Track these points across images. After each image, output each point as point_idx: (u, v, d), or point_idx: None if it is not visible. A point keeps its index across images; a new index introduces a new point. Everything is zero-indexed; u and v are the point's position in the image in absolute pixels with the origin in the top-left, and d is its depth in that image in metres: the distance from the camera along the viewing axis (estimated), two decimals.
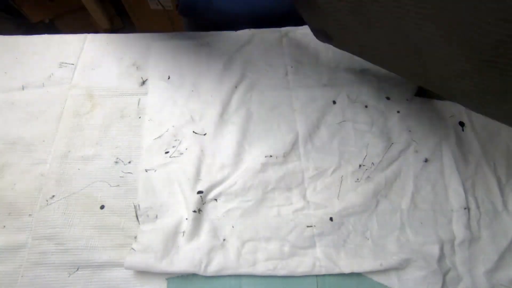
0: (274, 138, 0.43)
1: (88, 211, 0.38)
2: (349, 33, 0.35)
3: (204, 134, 0.43)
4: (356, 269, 0.35)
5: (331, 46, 0.51)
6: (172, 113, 0.45)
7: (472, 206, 0.39)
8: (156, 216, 0.38)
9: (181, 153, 0.42)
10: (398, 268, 0.36)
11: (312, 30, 0.43)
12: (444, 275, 0.35)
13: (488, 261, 0.36)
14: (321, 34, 0.41)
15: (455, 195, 0.39)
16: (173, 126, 0.43)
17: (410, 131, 0.44)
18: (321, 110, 0.45)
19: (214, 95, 0.46)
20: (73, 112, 0.44)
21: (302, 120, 0.44)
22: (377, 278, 0.35)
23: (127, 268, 0.35)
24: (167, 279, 0.35)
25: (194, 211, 0.38)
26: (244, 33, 0.52)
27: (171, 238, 0.36)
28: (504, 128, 0.44)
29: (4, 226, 0.37)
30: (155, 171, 0.40)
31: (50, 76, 0.47)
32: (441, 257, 0.36)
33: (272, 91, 0.47)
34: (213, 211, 0.38)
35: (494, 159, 0.42)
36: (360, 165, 0.41)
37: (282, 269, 0.35)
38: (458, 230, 0.37)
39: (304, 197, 0.39)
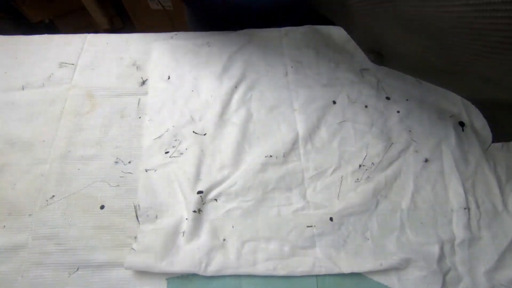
0: (274, 138, 0.43)
1: (88, 211, 0.38)
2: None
3: (204, 134, 0.43)
4: (356, 269, 0.35)
5: (331, 46, 0.51)
6: (172, 113, 0.45)
7: (472, 206, 0.39)
8: (156, 216, 0.38)
9: (181, 153, 0.42)
10: (398, 268, 0.36)
11: (364, 50, 0.44)
12: (444, 275, 0.35)
13: (488, 261, 0.36)
14: (373, 53, 0.42)
15: (455, 195, 0.39)
16: (173, 126, 0.43)
17: (410, 131, 0.44)
18: (321, 110, 0.45)
19: (214, 95, 0.46)
20: (73, 112, 0.44)
21: (302, 120, 0.44)
22: (377, 278, 0.35)
23: (127, 268, 0.35)
24: (167, 279, 0.35)
25: (194, 211, 0.38)
26: (244, 33, 0.52)
27: (171, 238, 0.36)
28: None
29: (4, 226, 0.37)
30: (155, 171, 0.40)
31: (50, 76, 0.47)
32: (441, 257, 0.36)
33: (272, 91, 0.47)
34: (213, 211, 0.38)
35: (494, 159, 0.42)
36: (360, 165, 0.41)
37: (282, 269, 0.35)
38: (458, 230, 0.37)
39: (304, 197, 0.39)
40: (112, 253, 0.36)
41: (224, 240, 0.37)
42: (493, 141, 0.39)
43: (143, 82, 0.48)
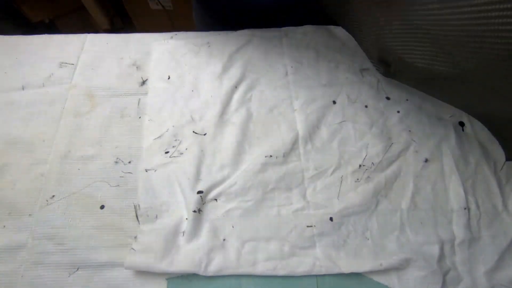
0: (274, 138, 0.43)
1: (88, 211, 0.38)
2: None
3: (204, 134, 0.43)
4: (356, 269, 0.35)
5: (331, 46, 0.51)
6: (172, 113, 0.45)
7: (472, 206, 0.39)
8: (156, 216, 0.38)
9: (181, 153, 0.42)
10: (398, 268, 0.36)
11: (373, 62, 0.45)
12: (444, 275, 0.35)
13: (488, 261, 0.36)
14: (382, 64, 0.43)
15: (455, 195, 0.39)
16: (173, 126, 0.43)
17: (410, 131, 0.44)
18: (321, 110, 0.45)
19: (214, 95, 0.46)
20: (73, 112, 0.44)
21: (302, 120, 0.44)
22: (377, 278, 0.35)
23: (127, 268, 0.35)
24: (167, 279, 0.35)
25: (194, 211, 0.38)
26: (244, 33, 0.52)
27: (171, 238, 0.36)
28: None
29: (4, 226, 0.37)
30: (155, 171, 0.40)
31: (50, 76, 0.47)
32: (441, 257, 0.36)
33: (272, 91, 0.47)
34: (213, 211, 0.38)
35: (494, 159, 0.42)
36: (360, 165, 0.41)
37: (282, 269, 0.35)
38: (458, 230, 0.37)
39: (304, 197, 0.39)
40: (112, 253, 0.36)
41: (224, 240, 0.37)
42: (507, 159, 0.38)
43: (143, 82, 0.48)
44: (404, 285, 0.35)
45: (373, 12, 0.36)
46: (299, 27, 0.53)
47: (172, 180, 0.40)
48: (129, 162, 0.41)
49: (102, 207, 0.38)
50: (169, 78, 0.48)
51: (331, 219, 0.38)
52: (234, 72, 0.48)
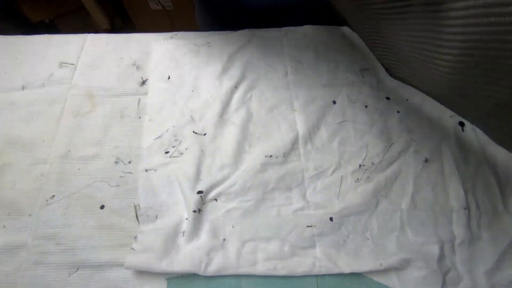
0: (274, 138, 0.43)
1: (88, 211, 0.38)
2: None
3: (204, 134, 0.43)
4: (356, 269, 0.35)
5: (331, 46, 0.51)
6: (172, 113, 0.45)
7: (472, 206, 0.39)
8: (156, 216, 0.38)
9: (181, 153, 0.42)
10: (398, 268, 0.36)
11: (382, 63, 0.46)
12: (444, 275, 0.35)
13: (488, 261, 0.36)
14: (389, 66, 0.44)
15: (455, 195, 0.39)
16: (173, 126, 0.43)
17: (410, 131, 0.44)
18: (321, 110, 0.45)
19: (214, 95, 0.46)
20: (73, 112, 0.44)
21: (302, 120, 0.44)
22: (377, 278, 0.35)
23: (127, 268, 0.35)
24: (167, 279, 0.35)
25: (194, 211, 0.38)
26: (244, 33, 0.52)
27: (171, 238, 0.36)
28: None
29: (4, 226, 0.37)
30: (155, 171, 0.40)
31: (50, 76, 0.47)
32: (441, 257, 0.36)
33: (272, 91, 0.47)
34: (213, 211, 0.38)
35: (494, 159, 0.42)
36: (360, 165, 0.41)
37: (282, 269, 0.35)
38: (458, 230, 0.37)
39: (304, 197, 0.39)
40: (112, 253, 0.36)
41: (224, 240, 0.37)
42: None
43: (143, 82, 0.48)
44: (404, 285, 0.35)
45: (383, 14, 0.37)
46: (299, 27, 0.53)
47: (172, 180, 0.40)
48: (129, 162, 0.41)
49: (102, 207, 0.38)
50: (169, 78, 0.48)
51: (331, 219, 0.38)
52: (234, 72, 0.48)
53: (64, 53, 0.49)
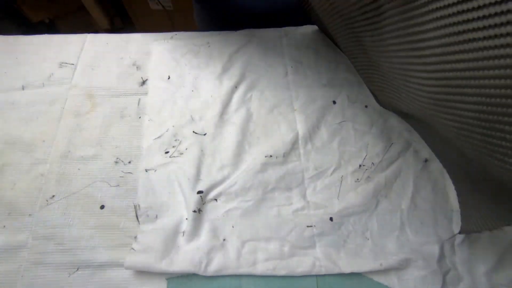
0: (274, 138, 0.43)
1: (88, 211, 0.38)
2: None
3: (204, 134, 0.43)
4: (356, 269, 0.35)
5: (331, 46, 0.51)
6: (172, 113, 0.45)
7: None
8: (156, 216, 0.38)
9: (181, 153, 0.42)
10: (398, 268, 0.36)
11: (375, 96, 0.47)
12: (444, 275, 0.35)
13: (488, 261, 0.36)
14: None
15: (455, 195, 0.39)
16: (173, 126, 0.43)
17: (410, 131, 0.44)
18: (321, 110, 0.45)
19: (214, 95, 0.46)
20: (73, 112, 0.44)
21: (302, 120, 0.44)
22: (377, 278, 0.35)
23: (127, 268, 0.35)
24: (167, 279, 0.35)
25: (194, 211, 0.38)
26: (244, 33, 0.52)
27: (171, 238, 0.36)
28: None
29: (4, 226, 0.37)
30: (155, 171, 0.40)
31: (50, 76, 0.47)
32: (441, 257, 0.36)
33: (272, 91, 0.47)
34: (213, 211, 0.38)
35: None
36: (360, 165, 0.41)
37: (282, 269, 0.35)
38: (458, 230, 0.37)
39: (304, 197, 0.39)
40: (112, 253, 0.36)
41: (224, 240, 0.37)
42: (459, 232, 0.37)
43: (143, 82, 0.48)
44: (404, 285, 0.35)
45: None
46: (299, 27, 0.53)
47: (172, 180, 0.40)
48: (129, 162, 0.41)
49: (102, 207, 0.38)
50: (169, 78, 0.48)
51: (331, 219, 0.38)
52: (234, 72, 0.48)
53: (64, 53, 0.49)
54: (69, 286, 0.34)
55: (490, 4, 0.18)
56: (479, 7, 0.18)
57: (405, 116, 0.42)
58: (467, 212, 0.36)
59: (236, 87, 0.47)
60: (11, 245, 0.36)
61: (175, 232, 0.37)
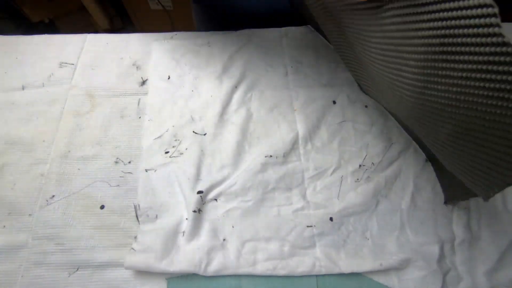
0: (274, 138, 0.43)
1: (88, 211, 0.38)
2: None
3: (204, 134, 0.43)
4: (356, 269, 0.35)
5: (331, 46, 0.51)
6: (172, 113, 0.45)
7: (472, 206, 0.39)
8: (156, 216, 0.38)
9: (181, 153, 0.42)
10: (398, 268, 0.36)
11: (359, 85, 0.47)
12: (444, 275, 0.35)
13: (488, 261, 0.36)
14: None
15: None
16: (173, 126, 0.43)
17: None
18: (321, 110, 0.45)
19: (214, 95, 0.46)
20: (73, 112, 0.44)
21: (302, 120, 0.44)
22: (377, 278, 0.35)
23: (127, 268, 0.35)
24: (167, 279, 0.35)
25: (194, 211, 0.38)
26: (244, 33, 0.52)
27: (171, 238, 0.36)
28: None
29: (4, 226, 0.37)
30: (155, 171, 0.40)
31: (50, 76, 0.47)
32: (441, 257, 0.36)
33: (272, 91, 0.47)
34: (213, 211, 0.38)
35: None
36: (360, 165, 0.41)
37: (282, 269, 0.35)
38: (458, 230, 0.37)
39: (304, 197, 0.39)
40: (112, 253, 0.36)
41: (224, 240, 0.37)
42: (445, 202, 0.39)
43: (143, 82, 0.48)
44: (404, 285, 0.35)
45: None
46: (299, 27, 0.53)
47: (172, 180, 0.40)
48: (129, 162, 0.41)
49: (102, 207, 0.38)
50: (169, 78, 0.48)
51: (331, 219, 0.38)
52: (234, 72, 0.48)
53: (64, 53, 0.49)
54: (69, 286, 0.34)
55: None
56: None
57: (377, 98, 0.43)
58: (444, 181, 0.38)
59: (236, 87, 0.47)
60: (11, 245, 0.36)
61: (175, 232, 0.37)
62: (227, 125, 0.44)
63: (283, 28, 0.53)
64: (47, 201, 0.38)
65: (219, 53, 0.50)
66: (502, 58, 0.19)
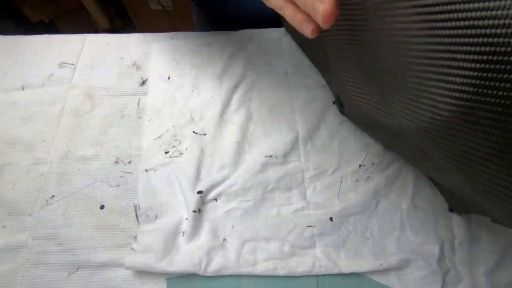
0: (274, 138, 0.43)
1: (88, 211, 0.38)
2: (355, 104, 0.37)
3: (204, 134, 0.43)
4: (356, 269, 0.35)
5: None
6: (172, 113, 0.45)
7: None
8: (156, 216, 0.38)
9: (181, 153, 0.42)
10: (398, 268, 0.36)
11: (334, 102, 0.46)
12: (444, 275, 0.35)
13: (488, 261, 0.36)
14: (338, 101, 0.44)
15: None
16: (173, 126, 0.43)
17: None
18: (321, 110, 0.45)
19: (214, 95, 0.46)
20: (73, 112, 0.44)
21: (302, 120, 0.44)
22: (377, 278, 0.35)
23: (127, 268, 0.35)
24: (167, 279, 0.35)
25: (194, 211, 0.38)
26: (244, 33, 0.52)
27: (171, 238, 0.36)
28: None
29: (4, 226, 0.37)
30: (155, 171, 0.40)
31: (50, 76, 0.47)
32: (441, 257, 0.36)
33: (272, 91, 0.47)
34: (213, 211, 0.38)
35: None
36: (360, 165, 0.41)
37: (282, 269, 0.35)
38: (458, 230, 0.37)
39: (304, 197, 0.39)
40: (112, 253, 0.36)
41: (224, 240, 0.37)
42: (450, 210, 0.38)
43: (143, 82, 0.48)
44: (404, 285, 0.35)
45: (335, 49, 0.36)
46: None
47: (172, 180, 0.40)
48: (129, 162, 0.41)
49: (102, 207, 0.38)
50: (169, 78, 0.48)
51: (331, 219, 0.38)
52: (234, 72, 0.48)
53: (64, 53, 0.49)
54: (69, 286, 0.34)
55: None
56: None
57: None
58: (446, 194, 0.37)
59: (236, 87, 0.47)
60: (11, 245, 0.36)
61: (175, 232, 0.37)
62: (227, 125, 0.44)
63: (283, 28, 0.53)
64: (47, 201, 0.38)
65: (219, 53, 0.50)
66: None
